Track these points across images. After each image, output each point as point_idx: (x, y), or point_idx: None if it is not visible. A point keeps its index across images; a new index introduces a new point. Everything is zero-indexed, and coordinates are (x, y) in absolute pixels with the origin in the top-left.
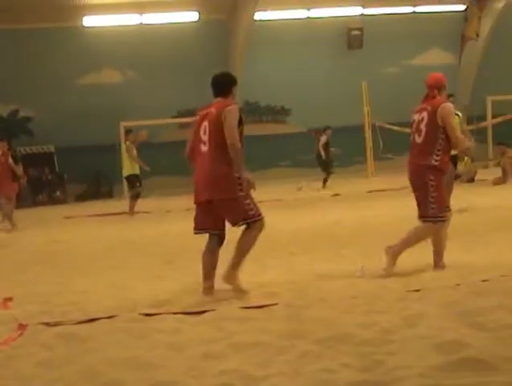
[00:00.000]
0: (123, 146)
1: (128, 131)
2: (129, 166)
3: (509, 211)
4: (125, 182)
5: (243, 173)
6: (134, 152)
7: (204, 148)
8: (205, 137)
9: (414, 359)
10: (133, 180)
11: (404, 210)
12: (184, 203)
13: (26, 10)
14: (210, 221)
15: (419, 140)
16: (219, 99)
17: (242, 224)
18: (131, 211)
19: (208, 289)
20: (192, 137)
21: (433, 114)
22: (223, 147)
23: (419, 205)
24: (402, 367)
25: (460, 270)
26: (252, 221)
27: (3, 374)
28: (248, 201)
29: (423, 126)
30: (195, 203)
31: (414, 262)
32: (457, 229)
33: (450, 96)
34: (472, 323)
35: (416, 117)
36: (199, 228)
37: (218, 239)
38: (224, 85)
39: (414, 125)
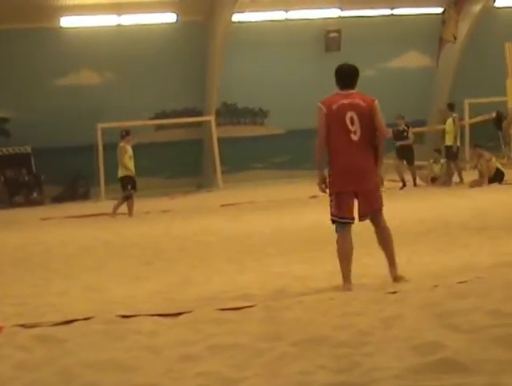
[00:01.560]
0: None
1: (127, 132)
2: (122, 168)
3: (485, 213)
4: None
5: (382, 167)
6: (126, 156)
7: (354, 138)
8: (353, 128)
9: (391, 360)
10: (126, 182)
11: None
12: (163, 204)
13: (2, 10)
14: (352, 211)
15: None
16: (353, 91)
17: (380, 212)
18: (114, 212)
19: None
20: (327, 124)
21: None
22: (372, 139)
23: None
24: (379, 368)
25: (437, 272)
26: (382, 207)
27: None
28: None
29: None
30: (342, 192)
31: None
32: (434, 231)
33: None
34: (448, 325)
35: None
36: (348, 217)
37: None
38: (357, 77)
39: None
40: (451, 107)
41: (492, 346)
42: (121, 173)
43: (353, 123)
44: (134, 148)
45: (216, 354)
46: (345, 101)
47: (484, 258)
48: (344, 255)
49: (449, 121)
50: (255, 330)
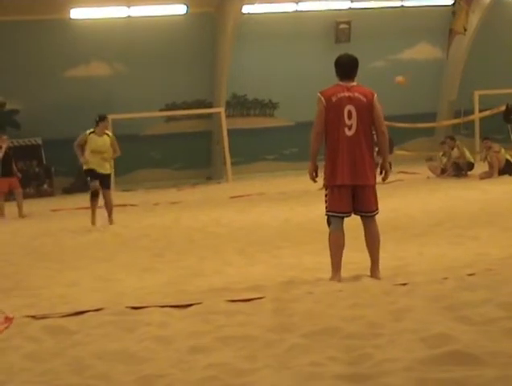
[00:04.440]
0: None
1: (101, 118)
2: (92, 160)
3: (496, 205)
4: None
5: (387, 160)
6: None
7: (349, 132)
8: (350, 121)
9: (402, 352)
10: (89, 178)
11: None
12: (172, 196)
13: (13, 2)
14: (350, 205)
15: None
16: (351, 83)
17: (374, 214)
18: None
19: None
20: (326, 116)
21: None
22: (369, 133)
23: None
24: (389, 360)
25: (447, 264)
26: (376, 213)
27: None
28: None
29: None
30: (339, 184)
31: (400, 256)
32: (444, 223)
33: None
34: (458, 317)
35: None
36: (343, 210)
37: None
38: (357, 67)
39: None
40: (452, 138)
41: (503, 338)
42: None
43: (350, 117)
44: (144, 139)
45: (227, 345)
46: (345, 94)
47: (494, 250)
48: (336, 247)
49: (455, 151)
50: (265, 322)
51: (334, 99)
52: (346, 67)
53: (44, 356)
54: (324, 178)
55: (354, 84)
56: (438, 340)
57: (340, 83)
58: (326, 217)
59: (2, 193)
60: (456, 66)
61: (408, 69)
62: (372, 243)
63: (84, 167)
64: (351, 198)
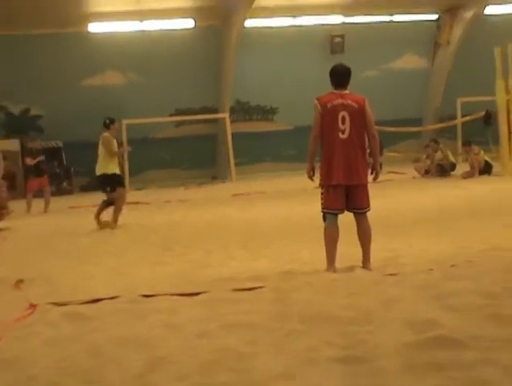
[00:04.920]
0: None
1: (110, 121)
2: (103, 164)
3: (477, 202)
4: (125, 173)
5: (378, 162)
6: (115, 144)
7: (343, 136)
8: (343, 126)
9: (392, 337)
10: (106, 182)
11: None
12: (180, 194)
13: (37, 17)
14: (343, 203)
15: None
16: (346, 91)
17: (366, 211)
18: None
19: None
20: (322, 121)
21: None
22: (361, 137)
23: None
24: (381, 344)
25: (433, 256)
26: (368, 210)
27: (14, 352)
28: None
29: None
30: (334, 184)
31: (390, 249)
32: (431, 218)
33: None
34: (444, 305)
35: None
36: (337, 208)
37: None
38: (349, 77)
39: None
40: (435, 141)
41: (484, 324)
42: (103, 169)
43: (344, 122)
44: (156, 142)
45: (230, 332)
46: (339, 101)
47: (476, 243)
48: (331, 242)
49: (439, 153)
50: (266, 310)
51: (329, 105)
52: (340, 77)
53: (63, 342)
54: (320, 178)
55: (347, 91)
56: (425, 326)
57: (335, 91)
58: (322, 214)
59: (32, 190)
60: (440, 75)
61: (397, 78)
62: (364, 237)
63: (113, 172)
64: (344, 196)
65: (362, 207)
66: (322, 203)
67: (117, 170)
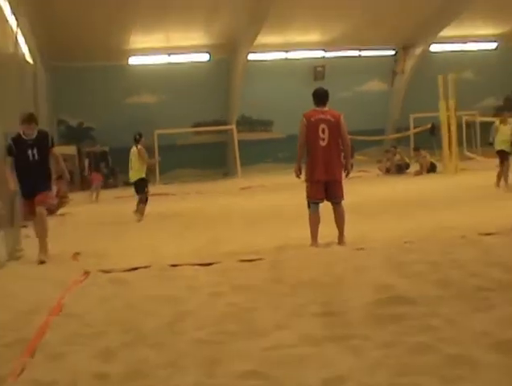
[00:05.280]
0: (132, 150)
1: (140, 135)
2: (138, 171)
3: (426, 194)
4: (156, 171)
5: (349, 163)
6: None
7: (323, 143)
8: (323, 135)
9: (360, 296)
10: (142, 185)
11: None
12: (198, 187)
13: (91, 53)
14: (323, 194)
15: None
16: (325, 108)
17: (341, 200)
18: (141, 214)
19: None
20: (307, 131)
21: None
22: (337, 144)
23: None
24: (351, 302)
25: (393, 235)
26: (342, 199)
27: (74, 306)
28: (342, 186)
29: None
30: (311, 180)
31: (361, 230)
32: (390, 207)
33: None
34: (400, 272)
35: None
36: (318, 198)
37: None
38: (328, 97)
39: None
40: (394, 147)
41: (429, 286)
42: (137, 175)
43: (323, 132)
44: (179, 147)
45: (237, 292)
46: (321, 116)
47: (425, 224)
48: (314, 223)
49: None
50: (264, 276)
51: (313, 119)
52: (320, 97)
53: (110, 299)
54: (306, 175)
55: (326, 108)
56: (385, 288)
57: (317, 108)
58: (307, 202)
59: (97, 182)
60: (397, 96)
61: (365, 98)
62: (339, 220)
63: (144, 176)
64: (324, 189)
65: (338, 197)
66: (307, 195)
67: (145, 176)
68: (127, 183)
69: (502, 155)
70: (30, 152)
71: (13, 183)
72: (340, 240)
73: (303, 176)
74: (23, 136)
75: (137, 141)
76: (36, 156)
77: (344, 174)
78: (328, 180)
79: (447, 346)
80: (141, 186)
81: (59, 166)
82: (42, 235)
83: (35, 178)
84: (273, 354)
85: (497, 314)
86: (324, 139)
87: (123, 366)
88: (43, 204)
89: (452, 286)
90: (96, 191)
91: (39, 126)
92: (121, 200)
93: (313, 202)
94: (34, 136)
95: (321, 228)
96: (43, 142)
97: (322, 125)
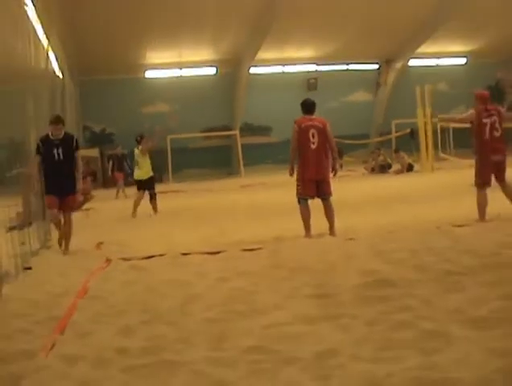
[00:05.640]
0: (136, 152)
1: (141, 137)
2: (148, 169)
3: (405, 190)
4: (169, 171)
5: (336, 163)
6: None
7: (313, 146)
8: (313, 140)
9: (349, 280)
10: (152, 182)
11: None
12: (207, 185)
13: (111, 67)
14: (315, 191)
15: (497, 134)
16: (312, 116)
17: (329, 196)
18: (155, 211)
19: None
20: (298, 136)
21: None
22: (325, 147)
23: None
24: (341, 285)
25: (377, 226)
26: (331, 195)
27: (98, 290)
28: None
29: (497, 125)
30: (307, 179)
31: (349, 222)
32: (373, 202)
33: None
34: (384, 259)
35: (489, 120)
36: (310, 195)
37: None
38: (315, 106)
39: (489, 126)
40: (378, 149)
41: (409, 271)
42: (145, 174)
43: (313, 137)
44: (190, 150)
45: (241, 277)
46: (310, 123)
47: (406, 216)
48: (306, 216)
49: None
50: (264, 263)
51: (303, 126)
52: (309, 107)
53: (131, 283)
54: (298, 175)
55: (314, 116)
56: (370, 273)
57: (305, 116)
58: (297, 199)
59: (121, 180)
60: (381, 105)
61: (352, 107)
62: (329, 214)
63: (152, 174)
64: (315, 187)
65: (327, 194)
66: (298, 191)
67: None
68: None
69: None
70: (55, 151)
71: (36, 183)
72: (331, 231)
73: (295, 175)
74: (51, 136)
75: (138, 143)
76: (61, 155)
77: (331, 174)
78: (318, 179)
79: (424, 322)
80: (151, 184)
81: (78, 168)
82: (68, 236)
83: (62, 177)
84: (272, 331)
85: (467, 294)
86: (314, 143)
87: (142, 341)
88: (72, 210)
89: (429, 271)
90: (121, 188)
91: (66, 130)
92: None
93: (303, 198)
94: (60, 136)
95: (313, 222)
96: (68, 143)
97: (312, 130)
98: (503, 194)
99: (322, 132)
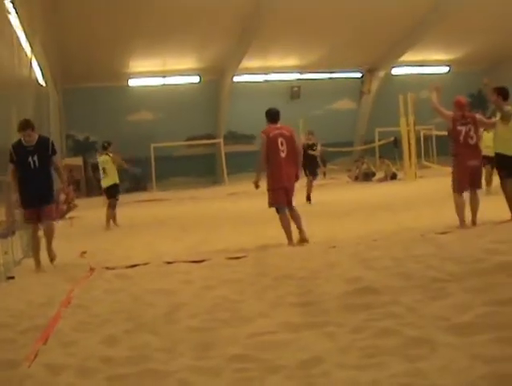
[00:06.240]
0: (104, 158)
1: (108, 143)
2: (114, 176)
3: (389, 198)
4: (153, 179)
5: (300, 170)
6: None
7: (282, 154)
8: (282, 148)
9: (332, 288)
10: (117, 190)
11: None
12: (191, 194)
13: (95, 76)
14: (286, 199)
15: (471, 142)
16: (278, 125)
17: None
18: (114, 221)
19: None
20: (267, 146)
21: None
22: (293, 155)
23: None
24: (325, 293)
25: (360, 234)
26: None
27: (83, 298)
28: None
29: (472, 133)
30: (279, 187)
31: (331, 230)
32: (357, 210)
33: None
34: (367, 266)
35: (464, 128)
36: (283, 203)
37: None
38: (279, 115)
39: (463, 134)
40: (362, 157)
41: (393, 278)
42: (110, 181)
43: (282, 145)
44: (174, 158)
45: (225, 285)
46: (277, 131)
47: (390, 226)
48: (286, 226)
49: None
50: (249, 271)
51: (271, 135)
52: (274, 115)
53: (115, 292)
54: (268, 185)
55: (279, 125)
56: (354, 280)
57: (271, 125)
58: (276, 209)
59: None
60: (364, 113)
61: (336, 115)
62: (296, 218)
63: (117, 182)
64: (286, 195)
65: (292, 202)
66: (271, 201)
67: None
68: (127, 190)
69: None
70: (30, 159)
71: (13, 193)
72: (302, 236)
73: (263, 186)
74: (24, 142)
75: (105, 149)
76: (37, 163)
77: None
78: (288, 187)
79: (409, 329)
80: (115, 191)
81: (60, 175)
82: (49, 240)
83: (39, 187)
84: (257, 339)
85: (451, 301)
86: (283, 151)
87: (127, 350)
88: (51, 218)
89: (413, 278)
90: None
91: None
92: (123, 205)
93: (280, 207)
94: (34, 142)
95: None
96: (43, 149)
97: (280, 139)
98: (469, 204)
99: (290, 140)
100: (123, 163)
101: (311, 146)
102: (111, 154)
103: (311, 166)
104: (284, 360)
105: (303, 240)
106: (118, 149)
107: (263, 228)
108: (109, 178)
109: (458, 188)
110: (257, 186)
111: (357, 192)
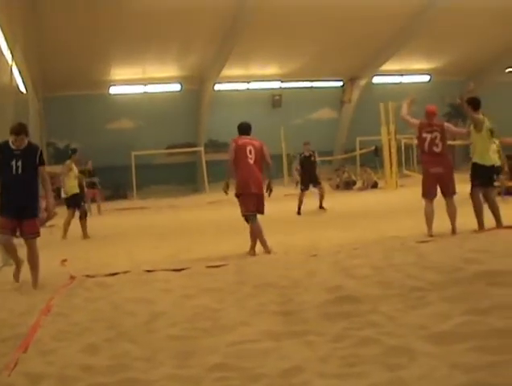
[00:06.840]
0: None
1: (73, 151)
2: (73, 185)
3: (369, 206)
4: (133, 187)
5: (271, 182)
6: (72, 172)
7: (251, 161)
8: (251, 155)
9: (313, 297)
10: (79, 199)
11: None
12: (171, 202)
13: (76, 83)
14: (255, 207)
15: (437, 150)
16: (249, 137)
17: (263, 213)
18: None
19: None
20: (235, 153)
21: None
22: (261, 164)
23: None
24: (306, 301)
25: (340, 242)
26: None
27: (63, 306)
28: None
29: (438, 141)
30: (244, 193)
31: (311, 239)
32: (337, 218)
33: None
34: (347, 274)
35: (429, 135)
36: (252, 211)
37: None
38: (250, 129)
39: (428, 141)
40: (343, 166)
41: (374, 287)
42: (74, 190)
43: (250, 153)
44: (154, 166)
45: (206, 294)
46: (247, 140)
47: (370, 234)
48: (260, 233)
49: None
50: (229, 279)
51: (240, 142)
52: (245, 129)
53: (94, 299)
54: (237, 190)
55: (250, 137)
56: (335, 289)
57: (242, 136)
58: (244, 218)
59: (88, 198)
60: (345, 122)
61: (317, 124)
62: (257, 231)
63: (77, 191)
64: (253, 201)
65: (260, 210)
66: (245, 209)
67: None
68: (109, 198)
69: None
70: (14, 163)
71: None
72: (266, 249)
73: (231, 192)
74: (11, 145)
75: (69, 157)
76: (20, 169)
77: (266, 193)
78: (257, 193)
79: (389, 338)
80: (78, 201)
81: (45, 186)
82: (34, 266)
83: (20, 194)
84: (238, 348)
85: (431, 310)
86: (251, 158)
87: (107, 359)
88: (33, 235)
89: (392, 287)
90: (96, 205)
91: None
92: (105, 213)
93: (251, 214)
94: (22, 147)
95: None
96: (30, 156)
97: (249, 147)
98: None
99: (259, 150)
100: (60, 171)
101: (309, 158)
102: (67, 162)
103: (313, 176)
104: (265, 369)
105: (267, 252)
106: (82, 158)
107: (244, 237)
108: (68, 188)
109: (424, 193)
110: (224, 191)
111: (338, 201)
